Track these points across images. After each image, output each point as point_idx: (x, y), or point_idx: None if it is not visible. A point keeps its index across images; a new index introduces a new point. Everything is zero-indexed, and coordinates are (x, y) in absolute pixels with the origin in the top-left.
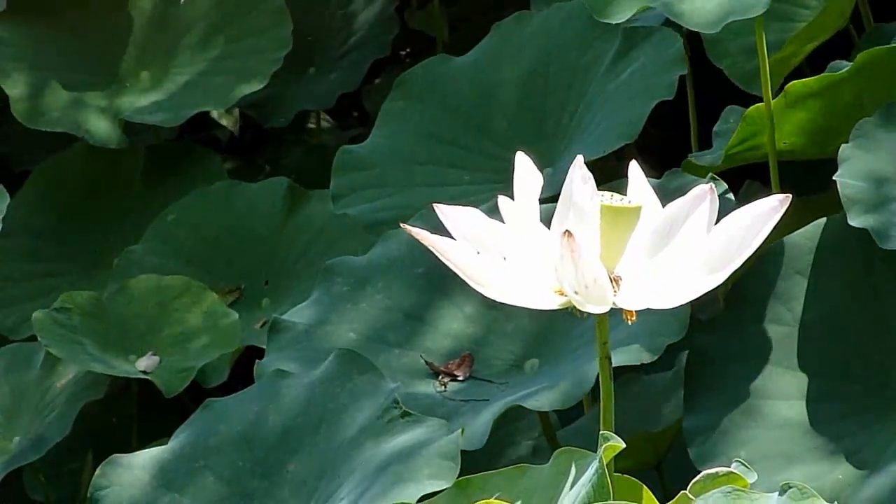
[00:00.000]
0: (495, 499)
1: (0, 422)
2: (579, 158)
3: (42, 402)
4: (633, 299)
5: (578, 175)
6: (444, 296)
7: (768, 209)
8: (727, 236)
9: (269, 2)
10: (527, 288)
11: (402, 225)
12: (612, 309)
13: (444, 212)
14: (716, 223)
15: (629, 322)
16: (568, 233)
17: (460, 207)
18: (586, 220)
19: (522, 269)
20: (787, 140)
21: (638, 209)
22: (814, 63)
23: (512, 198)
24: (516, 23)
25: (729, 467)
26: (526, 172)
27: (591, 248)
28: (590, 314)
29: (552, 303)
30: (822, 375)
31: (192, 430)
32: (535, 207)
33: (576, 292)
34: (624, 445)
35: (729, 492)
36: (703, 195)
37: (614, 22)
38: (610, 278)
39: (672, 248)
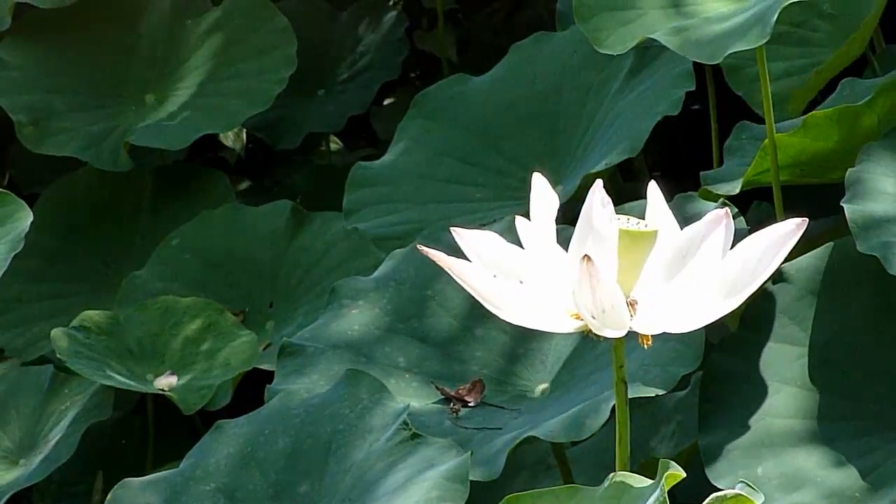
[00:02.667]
0: None
1: (6, 445)
2: (599, 183)
3: (48, 423)
4: (650, 324)
5: (598, 199)
6: (453, 318)
7: (784, 234)
8: (743, 261)
9: (274, 22)
10: (543, 311)
11: (418, 246)
12: (627, 333)
13: (461, 234)
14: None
15: (645, 346)
16: (587, 258)
17: (477, 230)
18: (605, 245)
19: (539, 292)
20: (804, 168)
21: (655, 234)
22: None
23: (527, 217)
24: (534, 43)
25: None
26: (543, 194)
27: (610, 273)
28: (606, 338)
29: (568, 326)
30: (837, 394)
31: (202, 453)
32: (552, 230)
33: (593, 317)
34: (684, 475)
35: None
36: (719, 220)
37: (614, 53)
38: (628, 302)
39: (688, 272)
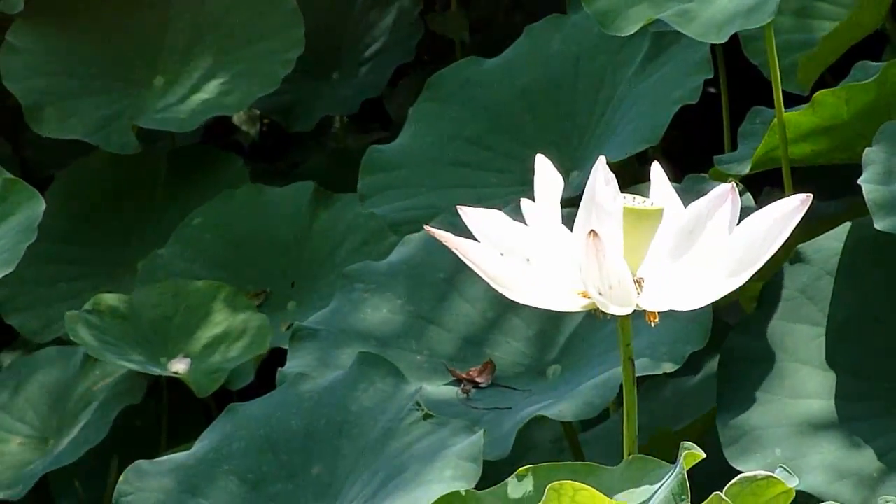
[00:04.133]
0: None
1: (35, 424)
2: (602, 160)
3: (78, 405)
4: (657, 301)
5: (602, 176)
6: (466, 302)
7: (789, 210)
8: (749, 238)
9: (283, 4)
10: (550, 290)
11: (425, 227)
12: (634, 311)
13: (468, 213)
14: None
15: (652, 324)
16: (593, 233)
17: (483, 209)
18: (610, 221)
19: (546, 270)
20: (814, 147)
21: (660, 211)
22: (840, 66)
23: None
24: (548, 26)
25: (765, 469)
26: (547, 175)
27: (616, 248)
28: (613, 316)
29: (575, 305)
30: (853, 374)
31: (215, 435)
32: (557, 209)
33: (600, 293)
34: (704, 455)
35: None
36: (725, 195)
37: (622, 34)
38: (635, 280)
39: (695, 249)
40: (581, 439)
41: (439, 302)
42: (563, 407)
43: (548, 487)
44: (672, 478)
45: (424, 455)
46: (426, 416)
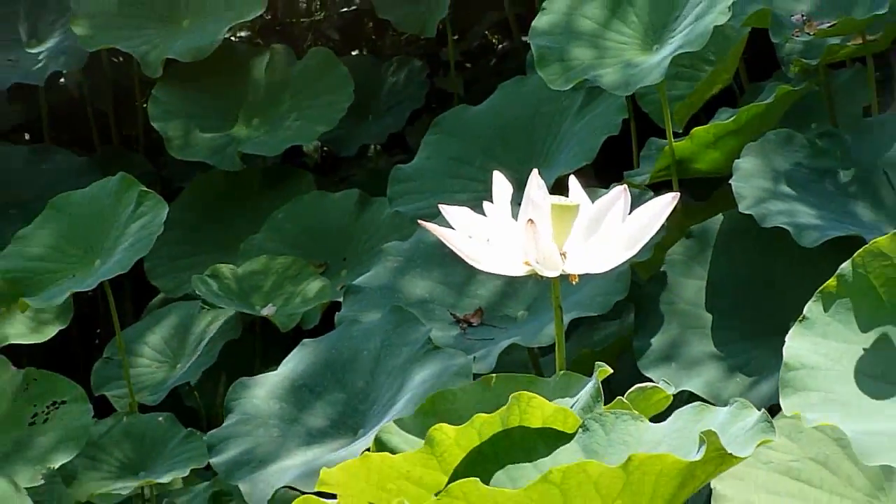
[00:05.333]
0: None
1: (168, 354)
2: (534, 172)
3: (196, 338)
4: (576, 266)
5: (535, 183)
6: (463, 268)
7: (664, 204)
8: (637, 223)
9: (338, 70)
10: (503, 261)
11: (419, 222)
12: (562, 274)
13: (447, 210)
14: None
15: (573, 283)
16: (530, 221)
17: (457, 207)
18: (541, 213)
19: (500, 248)
20: (692, 165)
21: (577, 206)
22: (709, 108)
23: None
24: (515, 83)
25: (665, 378)
26: (501, 185)
27: (546, 232)
28: (547, 277)
29: (521, 271)
30: (726, 315)
31: (293, 360)
32: (508, 207)
33: (537, 262)
34: (611, 371)
35: (697, 406)
36: (619, 195)
37: (562, 90)
38: (560, 253)
39: (600, 231)
40: (541, 362)
41: (445, 269)
42: (528, 339)
43: (510, 396)
44: (591, 386)
45: (433, 373)
46: (435, 348)
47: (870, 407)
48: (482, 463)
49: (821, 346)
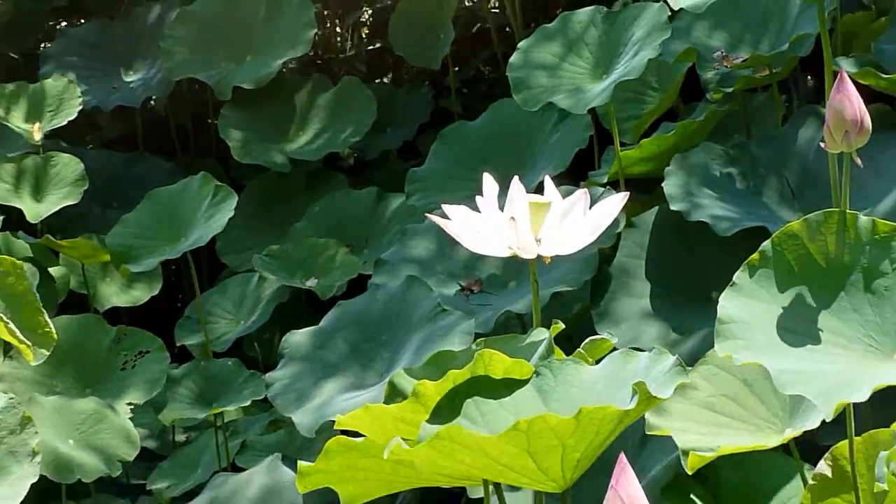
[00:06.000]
0: (496, 351)
1: (234, 314)
2: (515, 178)
3: (255, 302)
4: (548, 250)
5: (516, 188)
6: (467, 249)
7: (616, 202)
8: (595, 216)
9: (364, 94)
10: (491, 245)
11: (426, 214)
12: (538, 256)
13: (447, 208)
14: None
15: (546, 262)
16: (513, 217)
17: (455, 205)
18: (521, 210)
19: (488, 236)
20: (640, 168)
21: (549, 203)
22: (655, 125)
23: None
24: (501, 105)
25: (615, 335)
26: (489, 184)
27: (525, 224)
28: (526, 258)
29: (505, 253)
30: (661, 285)
31: (330, 318)
32: (495, 203)
33: (518, 247)
34: (563, 327)
35: (624, 352)
36: (581, 196)
37: (531, 110)
38: (535, 240)
39: (566, 223)
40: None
41: (451, 247)
42: (518, 305)
43: (475, 354)
44: (546, 340)
45: (442, 331)
46: (443, 311)
47: (784, 352)
48: (458, 399)
49: (746, 305)
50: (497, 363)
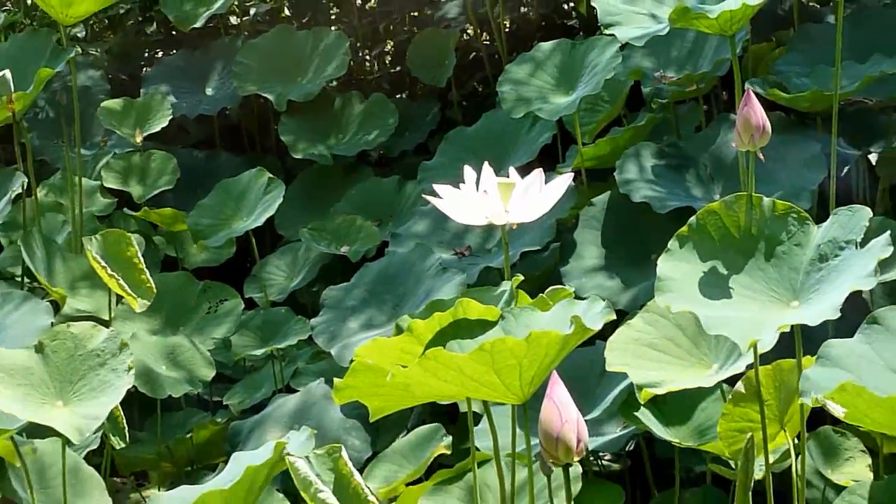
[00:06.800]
0: (472, 300)
1: (288, 272)
2: (486, 164)
3: (303, 264)
4: (514, 218)
5: (488, 172)
6: (459, 223)
7: (563, 181)
8: (549, 192)
9: (388, 107)
10: (472, 216)
11: (422, 195)
12: (507, 223)
13: (438, 187)
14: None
15: (513, 228)
16: (486, 191)
17: (444, 185)
18: (493, 188)
19: (470, 208)
20: (596, 163)
21: (513, 183)
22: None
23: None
24: (492, 114)
25: (572, 287)
26: (469, 173)
27: (496, 197)
28: (498, 225)
29: (483, 222)
30: (612, 250)
31: (358, 275)
32: (474, 186)
33: (493, 218)
34: (522, 278)
35: (568, 300)
36: (536, 176)
37: (515, 118)
38: (504, 210)
39: (527, 197)
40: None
41: (444, 224)
42: (495, 263)
43: (456, 302)
44: (509, 290)
45: (442, 283)
46: (444, 269)
47: (708, 302)
48: (443, 337)
49: (678, 266)
50: (472, 309)
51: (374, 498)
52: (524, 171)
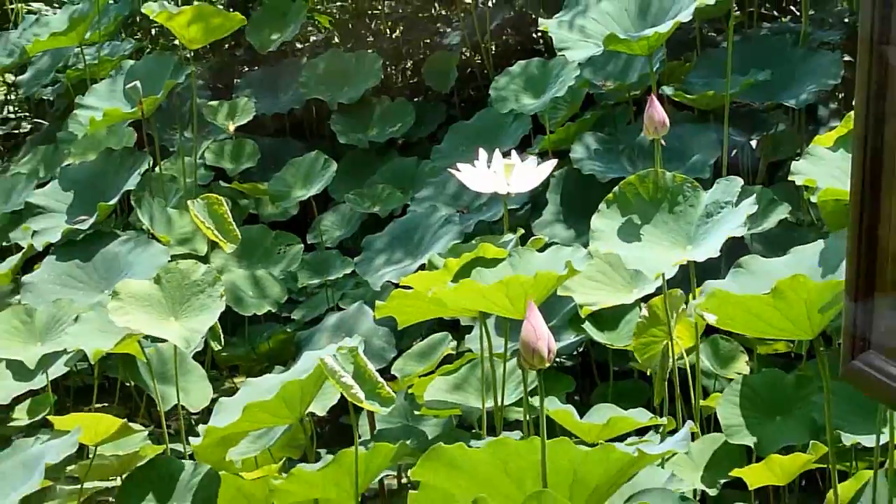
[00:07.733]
0: (489, 244)
1: (338, 225)
2: (497, 152)
3: (349, 219)
4: (514, 188)
5: (497, 156)
6: (460, 188)
7: (550, 164)
8: (538, 172)
9: (408, 108)
10: (484, 185)
11: (448, 170)
12: (508, 192)
13: (459, 165)
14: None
15: (512, 196)
16: (495, 171)
17: (464, 164)
18: (500, 168)
19: (483, 180)
20: (557, 146)
21: (514, 165)
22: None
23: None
24: (486, 111)
25: (537, 236)
26: (481, 155)
27: (501, 174)
28: (501, 194)
29: (491, 190)
30: (570, 209)
31: (390, 228)
32: (485, 164)
33: (499, 187)
34: (524, 232)
35: (555, 247)
36: (532, 161)
37: (503, 112)
38: (507, 183)
39: (521, 173)
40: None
41: (449, 189)
42: (486, 217)
43: (477, 245)
44: (515, 238)
45: (448, 231)
46: (448, 221)
47: (628, 247)
48: (468, 269)
49: (606, 222)
50: (490, 250)
51: (381, 381)
52: (508, 154)
